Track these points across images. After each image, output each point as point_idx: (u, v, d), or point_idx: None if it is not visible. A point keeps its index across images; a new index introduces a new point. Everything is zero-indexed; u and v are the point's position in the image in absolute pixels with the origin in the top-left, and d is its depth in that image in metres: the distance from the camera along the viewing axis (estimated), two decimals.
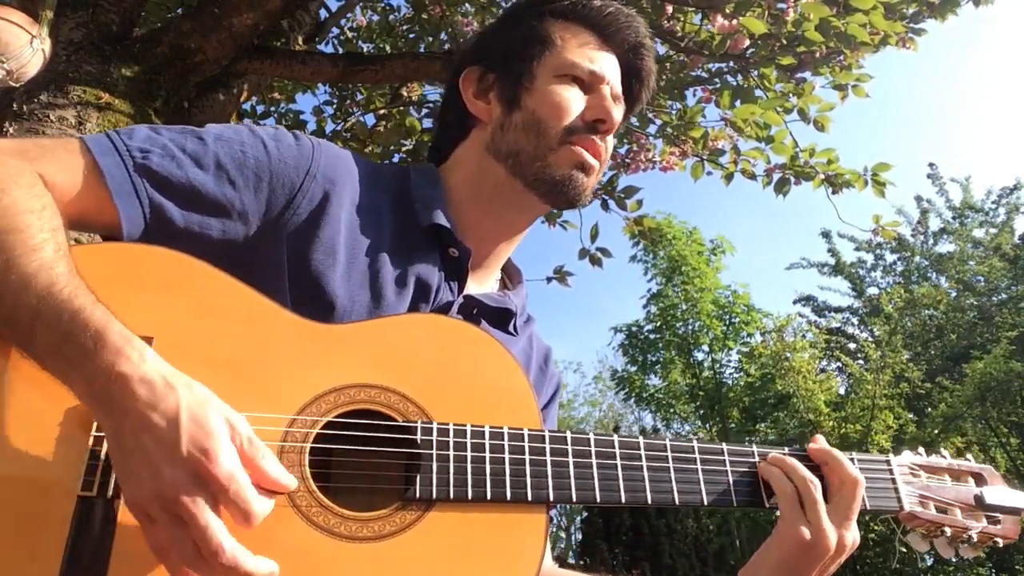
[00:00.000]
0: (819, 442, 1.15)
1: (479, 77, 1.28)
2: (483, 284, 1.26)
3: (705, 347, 18.06)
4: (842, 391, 15.10)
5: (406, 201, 1.19)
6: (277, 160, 1.06)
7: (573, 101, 1.20)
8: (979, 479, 1.24)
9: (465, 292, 1.18)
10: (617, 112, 1.23)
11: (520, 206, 1.24)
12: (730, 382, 17.72)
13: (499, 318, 1.22)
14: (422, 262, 1.14)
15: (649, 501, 1.02)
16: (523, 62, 1.23)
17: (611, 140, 1.26)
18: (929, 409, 14.13)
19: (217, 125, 1.09)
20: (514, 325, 1.24)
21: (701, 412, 17.76)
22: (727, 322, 17.86)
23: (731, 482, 1.08)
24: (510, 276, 1.35)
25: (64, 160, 0.95)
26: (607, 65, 1.25)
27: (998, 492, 1.22)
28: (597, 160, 1.21)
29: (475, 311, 1.19)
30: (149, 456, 0.76)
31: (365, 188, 1.15)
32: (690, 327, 18.01)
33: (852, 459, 1.15)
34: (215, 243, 1.01)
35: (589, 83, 1.22)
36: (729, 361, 18.17)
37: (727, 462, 1.09)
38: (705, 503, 1.05)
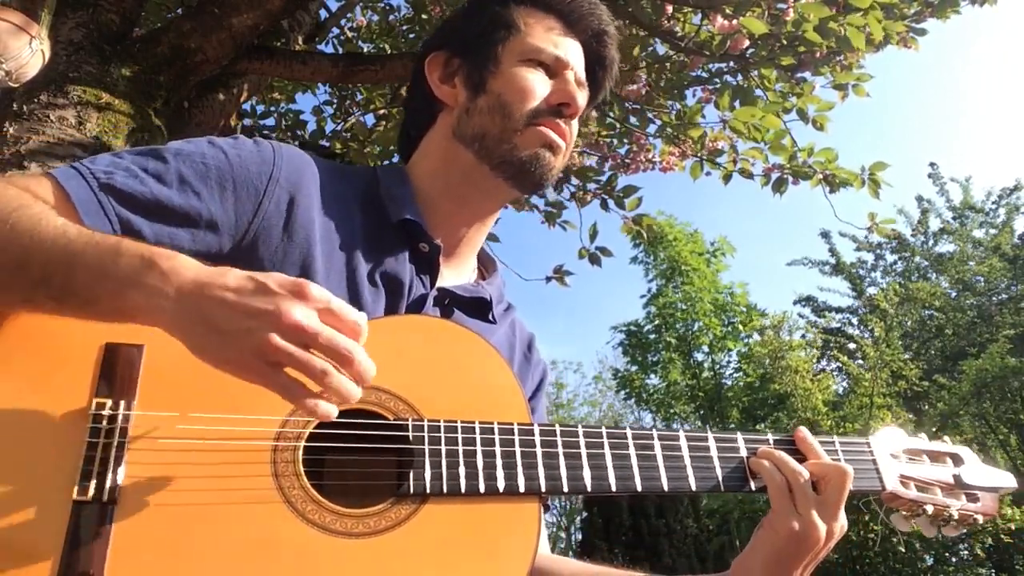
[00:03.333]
0: (805, 433, 1.17)
1: (445, 62, 1.29)
2: (459, 275, 1.28)
3: (705, 347, 18.07)
4: (841, 391, 15.11)
5: (375, 199, 1.21)
6: (239, 167, 1.07)
7: (538, 85, 1.21)
8: (956, 460, 1.28)
9: (439, 284, 1.20)
10: (581, 97, 1.25)
11: (487, 190, 1.25)
12: (729, 382, 17.73)
13: (475, 307, 1.24)
14: (393, 258, 1.15)
15: (639, 488, 1.05)
16: (488, 46, 1.25)
17: (575, 125, 1.28)
18: (927, 408, 14.13)
19: (177, 142, 1.10)
20: (492, 314, 1.26)
21: (701, 412, 17.76)
22: (726, 322, 17.86)
23: (718, 468, 1.10)
24: (485, 266, 1.37)
25: (32, 186, 0.97)
26: (571, 51, 1.27)
27: (976, 471, 1.26)
28: (563, 141, 1.23)
29: (447, 302, 1.20)
30: (249, 307, 0.79)
31: (332, 189, 1.16)
32: (690, 327, 18.02)
33: (834, 442, 1.18)
34: (189, 254, 1.01)
35: (554, 68, 1.23)
36: (729, 362, 18.19)
37: (712, 449, 1.12)
38: (693, 489, 1.08)
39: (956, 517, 1.21)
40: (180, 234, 1.02)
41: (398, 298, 1.14)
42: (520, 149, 1.19)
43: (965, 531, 1.26)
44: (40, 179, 0.99)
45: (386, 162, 4.78)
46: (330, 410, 0.81)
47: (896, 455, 1.24)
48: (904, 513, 1.22)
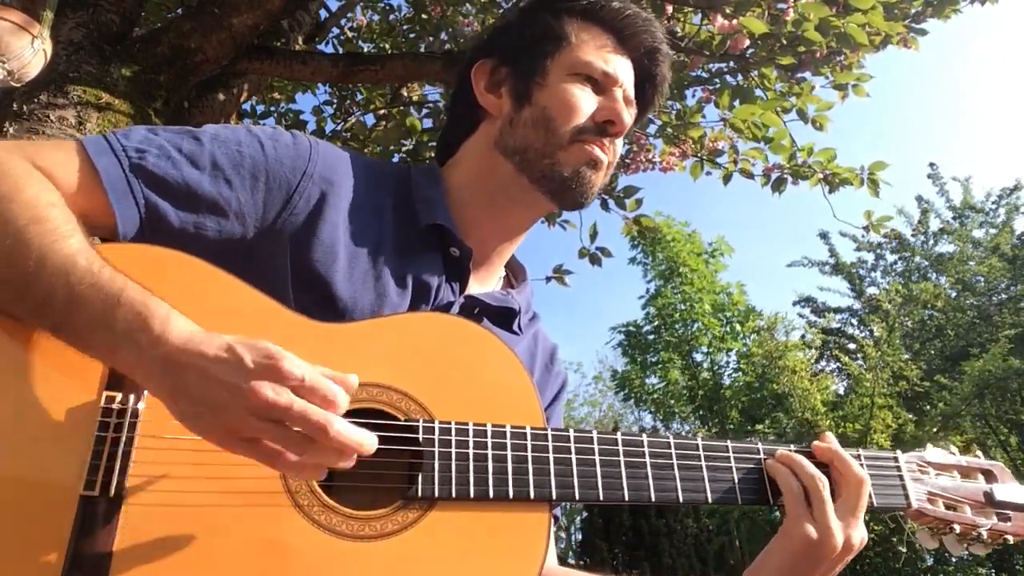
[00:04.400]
0: (827, 440, 1.14)
1: (491, 70, 1.26)
2: (486, 283, 1.26)
3: (704, 348, 18.06)
4: (841, 391, 15.11)
5: (407, 201, 1.19)
6: (274, 160, 1.06)
7: (585, 100, 1.19)
8: (989, 476, 1.23)
9: (467, 292, 1.18)
10: (628, 115, 1.21)
11: (525, 203, 1.23)
12: (728, 382, 17.72)
13: (502, 317, 1.21)
14: (423, 262, 1.13)
15: (653, 499, 1.02)
16: (537, 58, 1.22)
17: (619, 143, 1.25)
18: (928, 408, 14.12)
19: (214, 125, 1.09)
20: (518, 324, 1.23)
21: (700, 412, 17.75)
22: (725, 322, 17.86)
23: (736, 480, 1.07)
24: (515, 274, 1.34)
25: (60, 160, 0.96)
26: (621, 68, 1.23)
27: (1009, 489, 1.20)
28: (607, 158, 1.20)
29: (476, 311, 1.18)
30: (223, 383, 0.78)
31: (365, 188, 1.14)
32: (689, 328, 18.01)
33: (859, 456, 1.14)
34: (212, 243, 1.01)
35: (602, 84, 1.20)
36: (728, 362, 18.19)
37: (732, 459, 1.08)
38: (710, 501, 1.05)
39: (985, 537, 1.17)
40: (206, 223, 1.01)
41: (424, 302, 1.12)
42: (562, 165, 1.17)
43: (996, 549, 1.22)
44: (68, 150, 0.97)
45: (386, 162, 4.78)
46: (317, 472, 0.81)
47: (925, 470, 1.20)
48: (931, 529, 1.18)
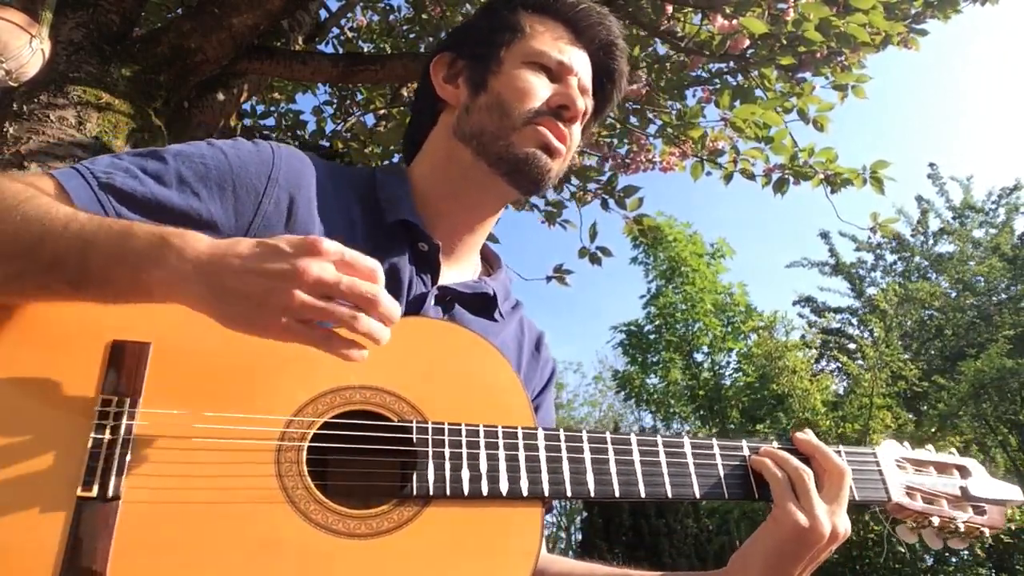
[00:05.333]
0: (807, 433, 1.17)
1: (449, 63, 1.30)
2: (460, 273, 1.27)
3: (705, 348, 18.07)
4: (840, 391, 15.11)
5: (373, 201, 1.21)
6: (239, 167, 1.08)
7: (539, 87, 1.21)
8: (963, 472, 1.27)
9: (440, 283, 1.19)
10: (583, 102, 1.24)
11: (485, 187, 1.25)
12: (729, 382, 17.73)
13: (479, 305, 1.23)
14: (391, 259, 1.15)
15: (642, 495, 1.04)
16: (492, 47, 1.25)
17: (577, 131, 1.27)
18: (927, 408, 14.13)
19: (177, 144, 1.11)
20: (499, 311, 1.25)
21: (700, 412, 17.76)
22: (726, 322, 17.87)
23: (722, 475, 1.10)
24: (489, 262, 1.37)
25: (32, 183, 0.97)
26: (577, 58, 1.26)
27: (983, 483, 1.25)
28: (562, 144, 1.22)
29: (449, 299, 1.20)
30: (266, 271, 0.81)
31: (331, 190, 1.16)
32: (690, 328, 18.02)
33: (840, 452, 1.17)
34: None
35: (557, 72, 1.23)
36: (728, 362, 18.19)
37: (717, 455, 1.11)
38: (697, 496, 1.07)
39: (962, 530, 1.20)
40: None
41: (397, 297, 1.13)
42: (516, 147, 1.19)
43: (971, 543, 1.25)
44: (42, 178, 0.99)
45: (386, 162, 4.78)
46: (363, 353, 0.86)
47: (902, 466, 1.23)
48: (910, 524, 1.21)
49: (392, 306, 0.85)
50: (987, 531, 1.22)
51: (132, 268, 0.84)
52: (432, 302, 1.17)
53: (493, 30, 1.27)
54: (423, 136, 1.32)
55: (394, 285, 1.14)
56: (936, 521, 1.19)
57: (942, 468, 1.26)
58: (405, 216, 1.17)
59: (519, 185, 1.24)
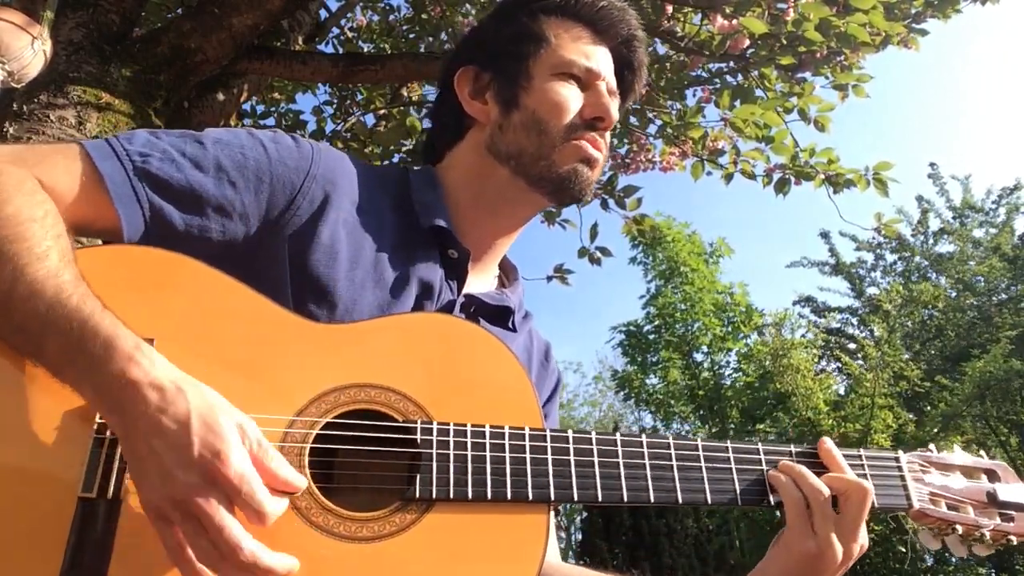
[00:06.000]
0: (830, 446, 1.13)
1: (474, 77, 1.27)
2: (483, 282, 1.27)
3: (704, 347, 18.07)
4: (841, 391, 15.11)
5: (406, 202, 1.20)
6: (277, 162, 1.07)
7: (572, 99, 1.20)
8: (992, 475, 1.21)
9: (465, 291, 1.19)
10: (614, 108, 1.24)
11: (523, 204, 1.25)
12: (729, 382, 17.73)
13: (498, 316, 1.23)
14: (423, 262, 1.14)
15: (652, 500, 1.01)
16: (519, 61, 1.23)
17: (608, 136, 1.27)
18: (928, 408, 14.12)
19: (216, 129, 1.09)
20: (512, 321, 1.25)
21: (700, 412, 17.76)
22: (726, 322, 17.87)
23: (736, 483, 1.06)
24: (506, 273, 1.36)
25: (63, 165, 0.96)
26: (602, 60, 1.25)
27: (1012, 489, 1.18)
28: (599, 153, 1.22)
29: (473, 309, 1.19)
30: (161, 460, 0.77)
31: (365, 190, 1.15)
32: (689, 327, 18.02)
33: (861, 456, 1.13)
34: (216, 245, 1.01)
35: (585, 80, 1.22)
36: (728, 362, 18.19)
37: (731, 460, 1.07)
38: (709, 503, 1.04)
39: (988, 538, 1.15)
40: (211, 225, 1.01)
41: (427, 301, 1.13)
42: (558, 165, 1.18)
43: (997, 550, 1.20)
44: (71, 155, 0.97)
45: (386, 162, 4.78)
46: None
47: (927, 470, 1.18)
48: (933, 530, 1.16)
49: (260, 559, 0.78)
50: (1015, 539, 1.16)
51: (75, 376, 0.81)
52: (458, 310, 1.16)
53: (516, 40, 1.25)
54: (447, 146, 1.30)
55: (425, 289, 1.13)
56: (960, 529, 1.14)
57: (969, 472, 1.21)
58: (439, 222, 1.16)
59: (561, 200, 1.25)
